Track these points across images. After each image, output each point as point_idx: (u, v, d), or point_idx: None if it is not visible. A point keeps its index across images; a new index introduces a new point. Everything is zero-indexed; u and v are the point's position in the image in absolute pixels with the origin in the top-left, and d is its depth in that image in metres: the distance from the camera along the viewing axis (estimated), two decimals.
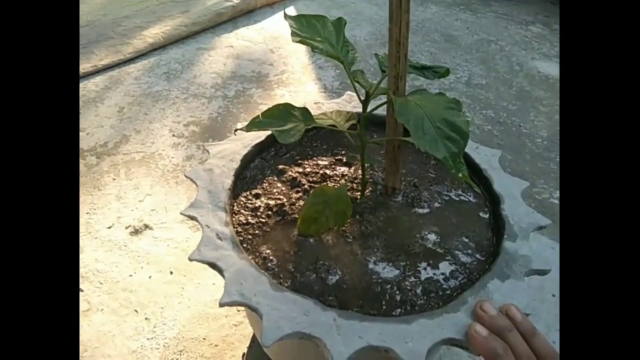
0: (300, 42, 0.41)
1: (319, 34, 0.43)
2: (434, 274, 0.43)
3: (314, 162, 0.56)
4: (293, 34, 0.42)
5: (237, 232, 0.47)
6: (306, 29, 0.43)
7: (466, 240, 0.47)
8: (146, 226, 0.82)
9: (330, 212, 0.44)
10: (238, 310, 0.69)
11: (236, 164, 0.53)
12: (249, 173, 0.54)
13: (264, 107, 0.43)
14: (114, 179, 0.92)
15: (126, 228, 0.82)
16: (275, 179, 0.53)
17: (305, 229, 0.45)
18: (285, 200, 0.50)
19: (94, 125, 1.07)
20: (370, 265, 0.44)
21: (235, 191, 0.51)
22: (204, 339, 0.66)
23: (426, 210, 0.50)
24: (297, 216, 0.47)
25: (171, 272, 0.74)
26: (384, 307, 0.40)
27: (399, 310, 0.40)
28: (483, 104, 1.19)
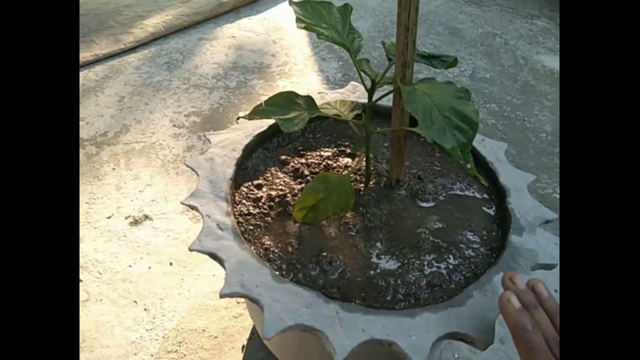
0: (305, 28, 0.40)
1: (325, 21, 0.42)
2: (438, 267, 0.43)
3: (317, 153, 0.55)
4: (298, 20, 0.41)
5: (238, 222, 0.46)
6: (312, 15, 0.42)
7: (471, 233, 0.46)
8: (146, 217, 0.81)
9: (330, 201, 0.42)
10: (238, 302, 0.68)
11: (238, 154, 0.52)
12: (251, 163, 0.53)
13: (266, 98, 0.41)
14: (114, 169, 0.91)
15: (126, 218, 0.81)
16: (278, 169, 0.53)
17: (302, 216, 0.43)
18: (287, 191, 0.49)
19: (94, 115, 1.06)
20: (374, 258, 0.43)
21: (237, 181, 0.51)
22: (204, 330, 0.65)
23: (431, 204, 0.49)
24: None
25: (171, 263, 0.74)
26: (387, 300, 0.40)
27: (402, 303, 0.39)
28: (487, 98, 1.17)
